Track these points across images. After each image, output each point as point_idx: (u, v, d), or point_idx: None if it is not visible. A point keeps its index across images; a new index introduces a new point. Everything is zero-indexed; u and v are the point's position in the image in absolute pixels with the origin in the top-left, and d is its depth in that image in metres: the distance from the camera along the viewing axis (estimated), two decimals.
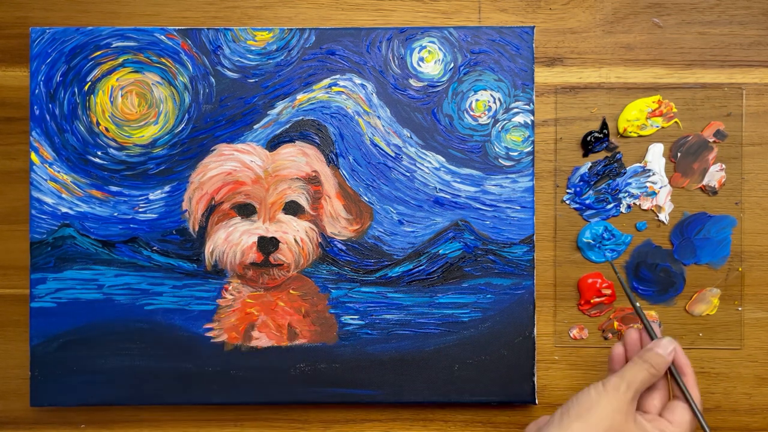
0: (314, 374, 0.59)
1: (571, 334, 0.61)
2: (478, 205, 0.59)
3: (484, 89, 0.60)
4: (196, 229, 0.60)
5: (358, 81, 0.60)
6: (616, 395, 0.47)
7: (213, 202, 0.60)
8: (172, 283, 0.59)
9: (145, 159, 0.60)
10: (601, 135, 0.60)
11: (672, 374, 0.50)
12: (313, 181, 0.60)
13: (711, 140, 0.60)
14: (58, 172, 0.59)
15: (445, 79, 0.60)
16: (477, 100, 0.60)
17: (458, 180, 0.59)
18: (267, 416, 0.61)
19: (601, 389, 0.48)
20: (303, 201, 0.60)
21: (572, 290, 0.61)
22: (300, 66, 0.59)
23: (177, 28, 0.60)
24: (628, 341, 0.53)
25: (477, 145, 0.60)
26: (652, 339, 0.51)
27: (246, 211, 0.60)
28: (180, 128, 0.60)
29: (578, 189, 0.60)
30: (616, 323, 0.61)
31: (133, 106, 0.60)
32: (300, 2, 0.61)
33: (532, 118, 0.60)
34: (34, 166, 0.59)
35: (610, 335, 0.61)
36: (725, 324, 0.61)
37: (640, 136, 0.60)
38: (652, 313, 0.60)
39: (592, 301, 0.60)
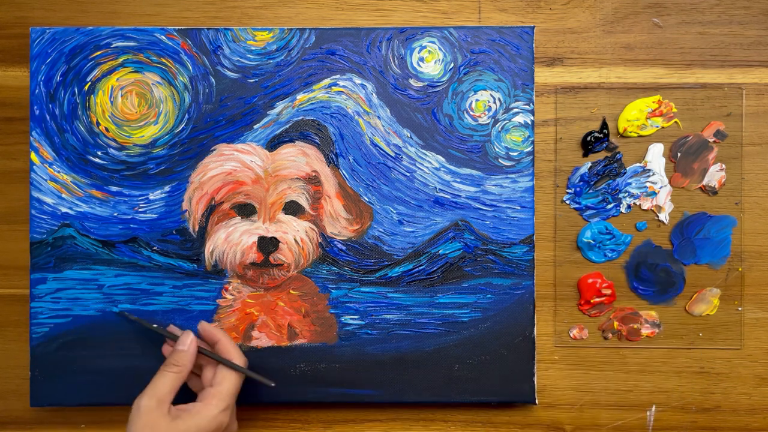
0: (314, 374, 0.59)
1: (571, 334, 0.61)
2: (478, 205, 0.59)
3: (484, 89, 0.60)
4: (196, 229, 0.60)
5: (358, 81, 0.60)
6: (148, 413, 0.51)
7: (213, 202, 0.60)
8: (172, 283, 0.59)
9: (145, 159, 0.60)
10: (601, 135, 0.60)
11: (202, 352, 0.55)
12: (313, 181, 0.60)
13: (711, 140, 0.60)
14: (58, 172, 0.59)
15: (445, 79, 0.60)
16: (477, 100, 0.60)
17: (458, 180, 0.59)
18: (267, 416, 0.61)
19: (137, 413, 0.51)
20: (303, 201, 0.60)
21: (572, 290, 0.61)
22: (300, 66, 0.59)
23: (177, 28, 0.60)
24: (165, 353, 0.57)
25: (477, 145, 0.60)
26: (175, 341, 0.56)
27: (246, 211, 0.59)
28: (180, 128, 0.60)
29: (578, 189, 0.60)
30: (616, 323, 0.61)
31: (133, 106, 0.60)
32: (300, 2, 0.61)
33: (532, 118, 0.60)
34: (34, 166, 0.59)
35: (610, 335, 0.61)
36: (725, 324, 0.61)
37: (640, 136, 0.60)
38: (651, 313, 0.60)
39: (592, 301, 0.60)
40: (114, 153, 0.60)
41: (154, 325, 0.58)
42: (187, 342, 0.55)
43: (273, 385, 0.56)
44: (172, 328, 0.58)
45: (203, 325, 0.57)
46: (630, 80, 0.61)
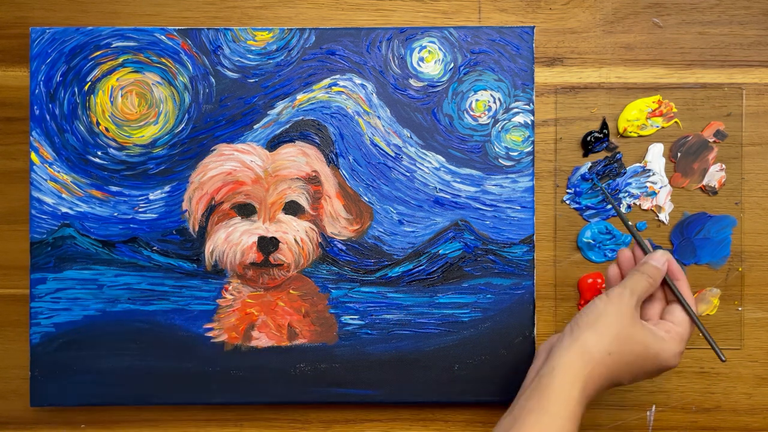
0: (314, 374, 0.59)
1: None
2: (478, 205, 0.59)
3: (484, 89, 0.60)
4: (196, 229, 0.60)
5: (358, 81, 0.60)
6: (621, 302, 0.50)
7: (213, 202, 0.60)
8: (172, 283, 0.59)
9: (145, 159, 0.60)
10: (601, 135, 0.60)
11: (666, 283, 0.53)
12: (313, 181, 0.60)
13: (711, 140, 0.60)
14: (58, 172, 0.59)
15: (445, 79, 0.60)
16: (477, 100, 0.60)
17: (458, 180, 0.59)
18: (267, 416, 0.61)
19: (606, 299, 0.50)
20: (303, 201, 0.60)
21: (572, 290, 0.61)
22: (300, 66, 0.59)
23: (177, 28, 0.60)
24: (622, 260, 0.55)
25: (477, 145, 0.60)
26: (645, 254, 0.53)
27: (246, 211, 0.60)
28: (180, 128, 0.60)
29: (578, 189, 0.60)
30: None
31: (133, 106, 0.60)
32: (300, 2, 0.61)
33: (532, 118, 0.60)
34: (34, 166, 0.59)
35: None
36: (725, 324, 0.61)
37: (640, 136, 0.60)
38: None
39: None
40: (114, 153, 0.60)
41: (630, 222, 0.55)
42: (662, 261, 0.52)
43: (725, 360, 0.52)
44: (647, 240, 0.56)
45: (671, 259, 0.53)
46: (630, 80, 0.61)
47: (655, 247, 0.56)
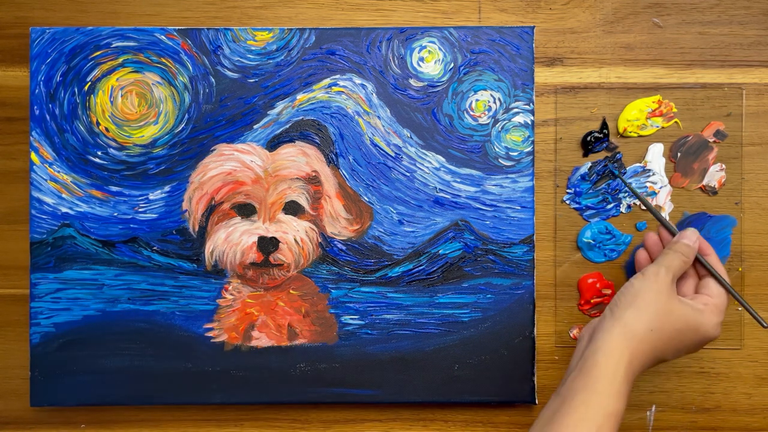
0: (314, 374, 0.59)
1: (571, 334, 0.61)
2: (478, 205, 0.59)
3: (484, 89, 0.60)
4: (196, 229, 0.60)
5: (358, 81, 0.60)
6: (657, 279, 0.51)
7: (213, 202, 0.60)
8: (172, 283, 0.59)
9: (145, 159, 0.60)
10: (601, 135, 0.60)
11: (698, 260, 0.54)
12: (313, 181, 0.60)
13: (711, 140, 0.60)
14: (58, 172, 0.59)
15: (445, 79, 0.60)
16: (477, 100, 0.60)
17: (458, 180, 0.59)
18: (267, 416, 0.61)
19: (642, 278, 0.51)
20: (303, 201, 0.60)
21: (572, 290, 0.61)
22: (300, 66, 0.59)
23: (177, 28, 0.60)
24: (650, 244, 0.57)
25: (477, 145, 0.60)
26: (673, 235, 0.55)
27: (246, 211, 0.60)
28: (180, 128, 0.60)
29: (578, 189, 0.60)
30: None
31: (133, 106, 0.60)
32: (300, 2, 0.61)
33: (532, 118, 0.60)
34: (34, 166, 0.59)
35: None
36: (725, 324, 0.60)
37: (640, 136, 0.60)
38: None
39: (592, 301, 0.60)
40: (114, 153, 0.60)
41: (653, 206, 0.57)
42: (694, 238, 0.54)
43: (766, 326, 0.54)
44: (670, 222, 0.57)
45: (700, 237, 0.55)
46: (630, 80, 0.61)
47: (681, 228, 0.56)
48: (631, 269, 0.60)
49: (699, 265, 0.55)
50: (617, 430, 0.47)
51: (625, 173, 0.60)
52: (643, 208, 0.60)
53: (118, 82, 0.60)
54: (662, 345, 0.50)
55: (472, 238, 0.59)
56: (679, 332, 0.50)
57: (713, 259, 0.54)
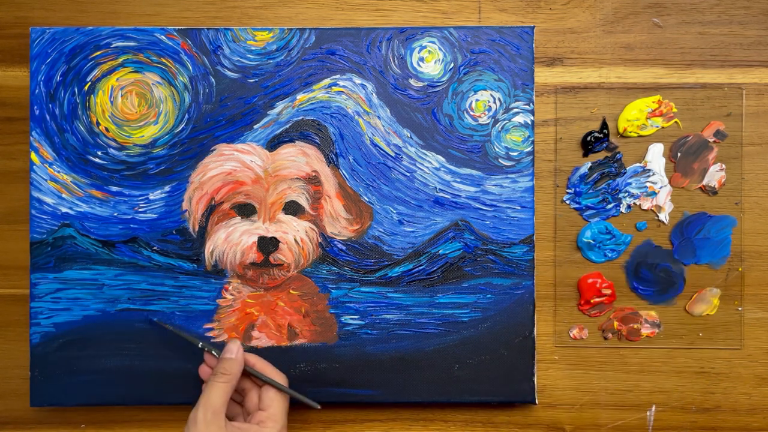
0: (314, 374, 0.59)
1: (571, 334, 0.61)
2: (478, 205, 0.59)
3: (484, 89, 0.60)
4: (196, 229, 0.60)
5: (358, 81, 0.60)
6: (197, 428, 0.51)
7: (213, 202, 0.60)
8: (172, 283, 0.59)
9: (145, 159, 0.60)
10: (601, 135, 0.60)
11: (247, 372, 0.56)
12: (313, 181, 0.60)
13: (711, 140, 0.60)
14: (58, 172, 0.59)
15: (445, 79, 0.60)
16: (477, 100, 0.60)
17: (458, 180, 0.59)
18: None
19: (192, 428, 0.51)
20: (303, 201, 0.60)
21: (572, 290, 0.61)
22: (300, 66, 0.59)
23: (177, 28, 0.60)
24: (204, 377, 0.57)
25: (477, 145, 0.60)
26: (218, 355, 0.56)
27: (246, 211, 0.60)
28: (180, 128, 0.60)
29: (578, 189, 0.60)
30: (616, 323, 0.61)
31: (133, 106, 0.60)
32: (300, 2, 0.61)
33: (532, 118, 0.60)
34: (34, 166, 0.59)
35: (610, 335, 0.61)
36: (725, 324, 0.61)
37: (640, 136, 0.60)
38: (651, 313, 0.60)
39: (592, 301, 0.60)
40: (114, 153, 0.60)
41: (195, 337, 0.58)
42: (234, 350, 0.55)
43: (319, 407, 0.57)
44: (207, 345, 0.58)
45: (240, 346, 0.57)
46: (630, 80, 0.61)
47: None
48: (631, 269, 0.60)
49: (254, 377, 0.56)
50: None
51: (625, 173, 0.60)
52: (644, 207, 0.60)
53: (118, 82, 0.60)
54: None
55: (472, 238, 0.59)
56: None
57: (262, 367, 0.56)
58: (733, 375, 0.61)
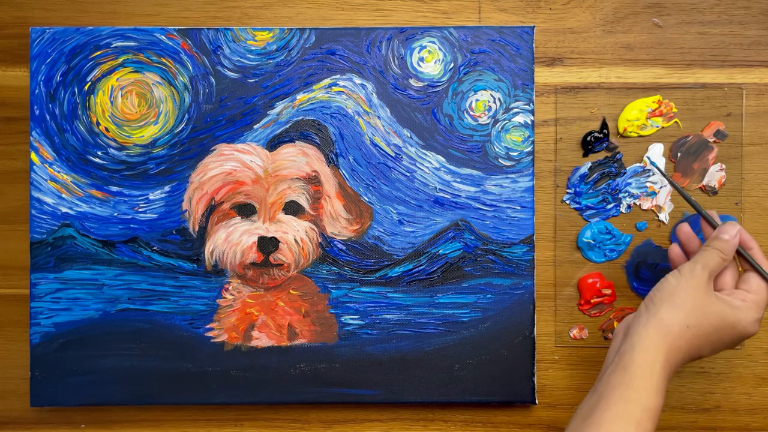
0: (314, 374, 0.59)
1: (571, 334, 0.61)
2: (478, 205, 0.59)
3: (484, 89, 0.60)
4: (196, 229, 0.60)
5: (358, 81, 0.60)
6: (693, 276, 0.50)
7: (213, 202, 0.60)
8: (172, 283, 0.59)
9: (145, 159, 0.60)
10: (601, 135, 0.60)
11: (739, 253, 0.53)
12: (313, 181, 0.60)
13: (711, 140, 0.60)
14: (58, 172, 0.59)
15: (445, 79, 0.60)
16: (477, 100, 0.60)
17: (458, 180, 0.60)
18: (267, 416, 0.61)
19: (678, 275, 0.50)
20: (303, 201, 0.60)
21: (572, 290, 0.61)
22: (300, 66, 0.59)
23: (177, 28, 0.60)
24: (682, 237, 0.55)
25: (477, 145, 0.60)
26: (714, 227, 0.53)
27: (246, 211, 0.60)
28: (180, 128, 0.60)
29: (578, 189, 0.60)
30: (616, 323, 0.61)
31: (133, 106, 0.60)
32: (300, 2, 0.61)
33: (532, 118, 0.60)
34: (34, 166, 0.59)
35: (610, 335, 0.61)
36: None
37: (640, 136, 0.60)
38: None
39: (592, 301, 0.60)
40: (114, 153, 0.60)
41: (693, 199, 0.55)
42: (733, 232, 0.52)
43: None
44: (712, 213, 0.55)
45: (742, 229, 0.53)
46: (630, 80, 0.61)
47: (724, 219, 0.55)
48: (631, 269, 0.60)
49: (741, 258, 0.53)
50: (655, 425, 0.47)
51: (625, 173, 0.60)
52: (644, 207, 0.60)
53: (118, 82, 0.60)
54: (698, 341, 0.50)
55: (472, 238, 0.59)
56: (716, 329, 0.50)
57: (757, 253, 0.53)
58: (733, 375, 0.61)
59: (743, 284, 0.52)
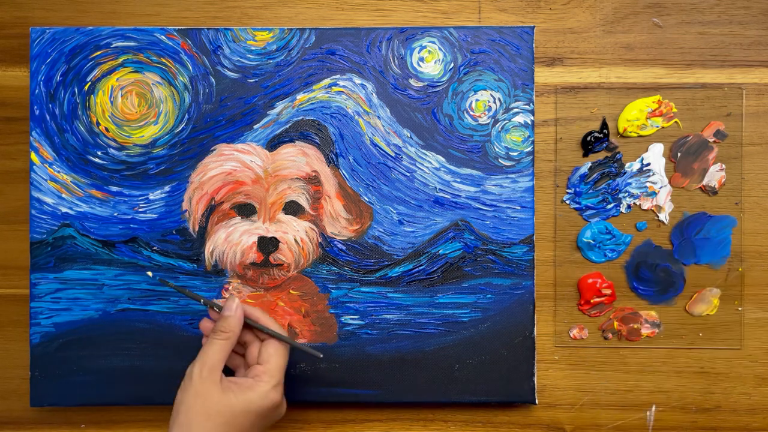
0: (314, 374, 0.59)
1: (571, 334, 0.61)
2: (478, 205, 0.59)
3: (484, 89, 0.60)
4: (196, 229, 0.60)
5: (358, 81, 0.60)
6: (192, 383, 0.50)
7: (213, 202, 0.60)
8: (172, 283, 0.59)
9: (145, 159, 0.60)
10: (601, 135, 0.60)
11: (248, 325, 0.54)
12: (313, 181, 0.60)
13: (711, 140, 0.60)
14: (58, 172, 0.59)
15: (445, 79, 0.60)
16: (477, 100, 0.60)
17: (458, 180, 0.59)
18: None
19: (182, 386, 0.50)
20: (303, 201, 0.60)
21: (572, 290, 0.61)
22: (300, 66, 0.59)
23: (177, 28, 0.60)
24: (205, 331, 0.54)
25: (477, 145, 0.60)
26: (220, 311, 0.53)
27: (246, 211, 0.60)
28: (180, 128, 0.60)
29: (578, 189, 0.60)
30: (616, 323, 0.61)
31: (133, 106, 0.60)
32: (300, 2, 0.61)
33: (532, 118, 0.60)
34: (34, 166, 0.59)
35: (610, 335, 0.61)
36: (725, 324, 0.61)
37: (640, 136, 0.60)
38: (651, 313, 0.60)
39: (592, 301, 0.60)
40: (114, 153, 0.60)
41: (196, 293, 0.56)
42: (233, 307, 0.53)
43: (321, 356, 0.55)
44: (216, 300, 0.56)
45: (244, 304, 0.55)
46: (630, 80, 0.61)
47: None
48: (631, 269, 0.60)
49: (256, 329, 0.54)
50: None
51: (625, 173, 0.60)
52: (644, 207, 0.60)
53: (118, 82, 0.60)
54: None
55: (472, 238, 0.59)
56: (234, 423, 0.49)
57: (264, 320, 0.54)
58: (733, 375, 0.61)
59: (260, 357, 0.53)
